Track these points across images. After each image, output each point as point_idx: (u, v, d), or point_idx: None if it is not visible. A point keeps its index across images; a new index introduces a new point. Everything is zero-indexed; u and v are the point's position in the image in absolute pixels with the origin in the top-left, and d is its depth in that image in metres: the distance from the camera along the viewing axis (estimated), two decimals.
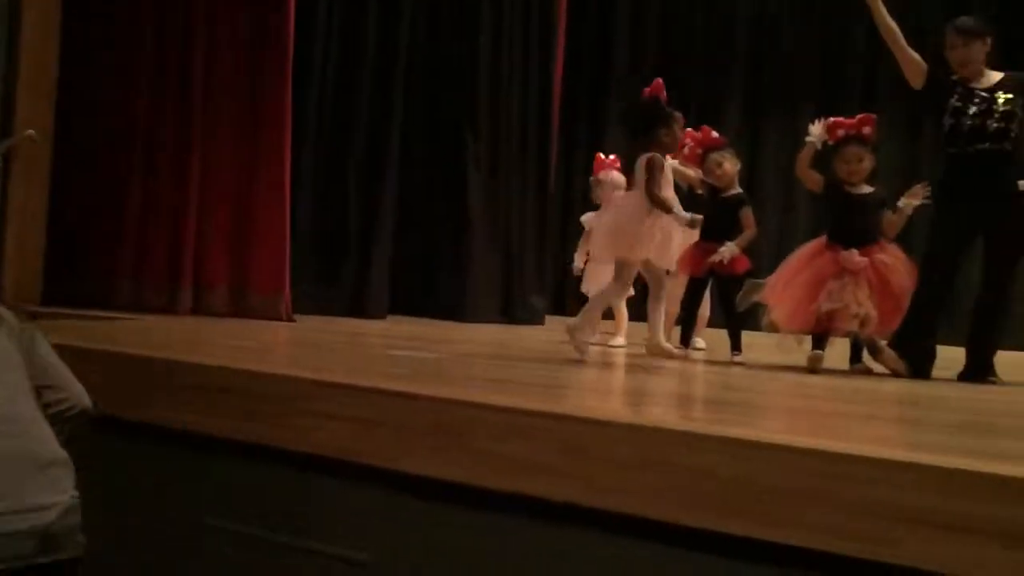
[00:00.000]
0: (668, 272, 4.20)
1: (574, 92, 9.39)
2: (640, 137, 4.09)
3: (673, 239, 3.99)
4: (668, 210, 3.92)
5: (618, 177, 5.53)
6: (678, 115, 4.14)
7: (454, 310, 6.74)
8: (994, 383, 4.35)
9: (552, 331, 6.66)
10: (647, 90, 4.14)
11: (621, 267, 4.09)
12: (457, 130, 7.05)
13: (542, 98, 7.44)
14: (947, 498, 1.88)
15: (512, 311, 7.05)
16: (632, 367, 4.28)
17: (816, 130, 4.53)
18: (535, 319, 7.14)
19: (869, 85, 8.87)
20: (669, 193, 4.04)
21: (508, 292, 7.10)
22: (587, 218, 5.64)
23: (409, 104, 6.70)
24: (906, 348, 4.41)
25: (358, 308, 6.22)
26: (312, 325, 5.34)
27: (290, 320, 5.38)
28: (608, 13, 9.86)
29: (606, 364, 4.34)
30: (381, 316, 6.30)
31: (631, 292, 4.63)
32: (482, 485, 2.36)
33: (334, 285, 6.23)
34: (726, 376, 4.12)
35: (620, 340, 5.39)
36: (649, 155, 3.99)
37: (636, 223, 3.94)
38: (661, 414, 2.70)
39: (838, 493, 1.96)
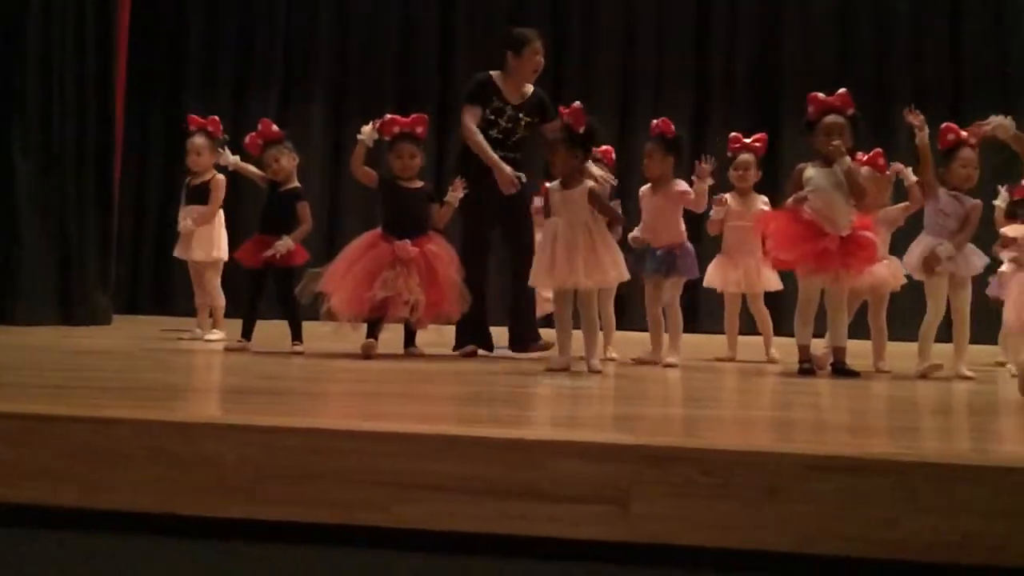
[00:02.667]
0: None
1: (148, 73, 8.93)
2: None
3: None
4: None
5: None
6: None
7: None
8: (543, 347, 4.93)
9: (118, 330, 6.31)
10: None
11: None
12: (2, 114, 6.40)
13: (100, 79, 6.95)
14: (436, 462, 2.06)
15: (72, 312, 6.55)
16: (174, 364, 4.19)
17: (367, 130, 4.70)
18: (99, 319, 6.70)
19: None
20: None
21: (66, 291, 6.58)
22: None
23: None
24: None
25: None
26: None
27: None
28: None
29: (159, 362, 4.20)
30: None
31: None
32: None
33: None
34: (283, 366, 4.15)
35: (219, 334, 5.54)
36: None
37: None
38: (176, 408, 2.66)
39: (336, 467, 2.06)
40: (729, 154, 5.38)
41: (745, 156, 5.32)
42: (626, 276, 4.23)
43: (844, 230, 4.35)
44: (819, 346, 4.56)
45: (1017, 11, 8.85)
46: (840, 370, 4.36)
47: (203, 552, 2.16)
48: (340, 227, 8.64)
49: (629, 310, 7.13)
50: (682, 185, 4.85)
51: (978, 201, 4.47)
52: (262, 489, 2.09)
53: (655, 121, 4.95)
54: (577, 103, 4.27)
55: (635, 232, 4.92)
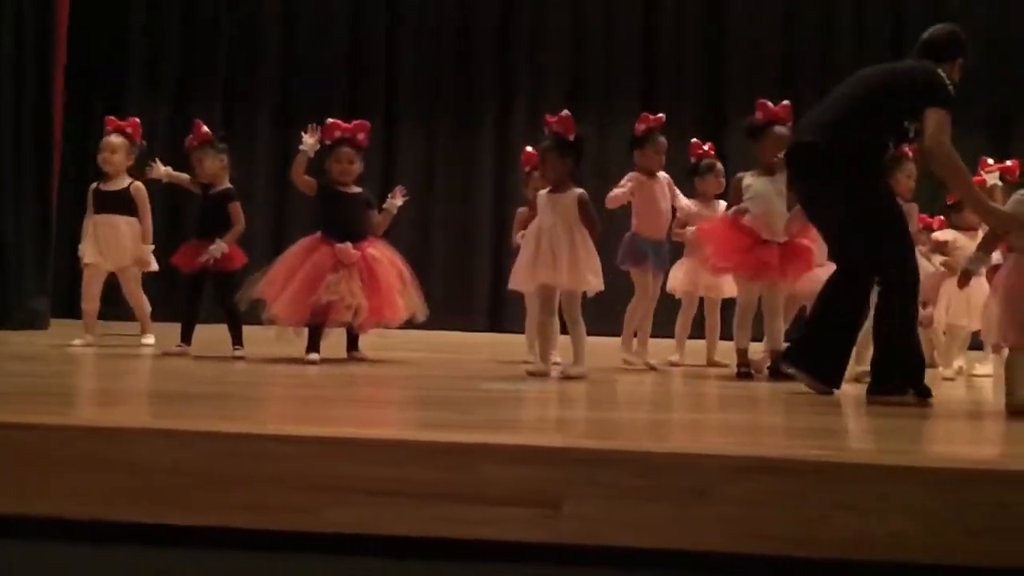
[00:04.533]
0: None
1: (88, 77, 8.76)
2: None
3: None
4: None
5: None
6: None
7: None
8: None
9: (56, 335, 6.19)
10: None
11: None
12: None
13: (39, 84, 6.83)
14: (368, 466, 2.05)
15: (8, 316, 6.42)
16: (112, 369, 4.13)
17: (309, 140, 4.65)
18: (36, 323, 6.57)
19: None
20: None
21: (3, 295, 6.44)
22: None
23: None
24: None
25: None
26: None
27: None
28: None
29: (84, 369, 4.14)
30: None
31: None
32: None
33: None
34: (224, 371, 4.12)
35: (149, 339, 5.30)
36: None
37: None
38: (110, 414, 2.63)
39: (268, 472, 2.05)
40: (692, 160, 5.43)
41: (710, 161, 5.38)
42: (602, 286, 4.20)
43: (782, 237, 4.46)
44: (758, 350, 4.63)
45: (958, 18, 9.07)
46: (778, 373, 4.44)
47: (137, 559, 2.13)
48: (287, 232, 8.51)
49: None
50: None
51: (913, 203, 4.57)
52: (195, 495, 2.07)
53: (650, 116, 5.00)
54: (566, 111, 4.27)
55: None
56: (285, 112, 9.32)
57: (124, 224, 5.21)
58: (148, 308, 5.44)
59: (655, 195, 4.84)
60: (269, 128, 9.36)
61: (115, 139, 5.23)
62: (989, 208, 3.60)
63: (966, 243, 4.71)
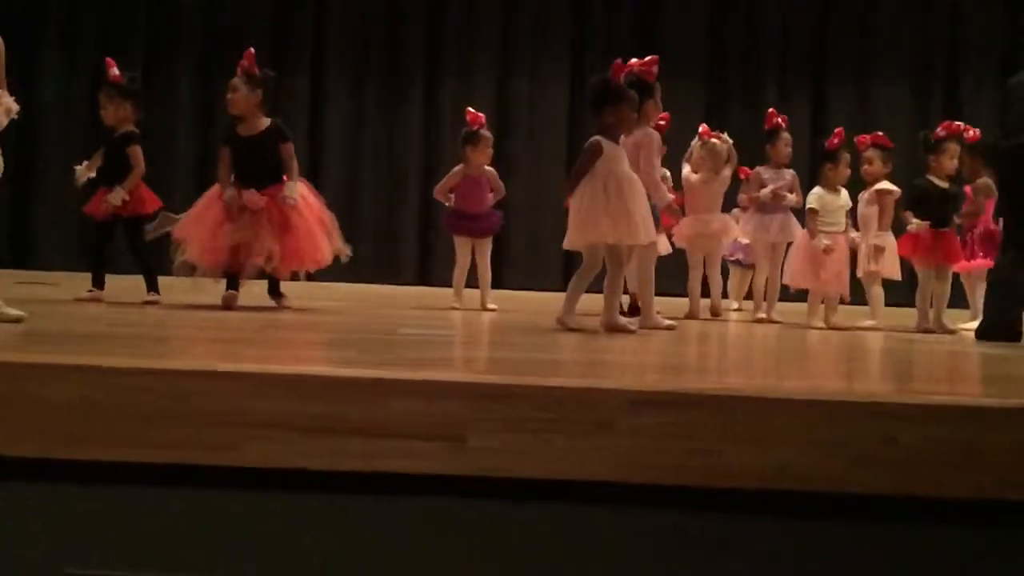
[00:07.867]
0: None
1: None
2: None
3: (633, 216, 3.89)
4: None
5: None
6: (632, 94, 4.04)
7: None
8: None
9: None
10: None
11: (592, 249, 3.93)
12: None
13: None
14: (292, 402, 2.06)
15: None
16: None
17: None
18: None
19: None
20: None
21: None
22: None
23: None
24: None
25: None
26: None
27: None
28: None
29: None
30: None
31: None
32: None
33: None
34: (137, 315, 4.06)
35: None
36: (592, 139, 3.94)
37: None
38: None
39: (177, 408, 2.05)
40: None
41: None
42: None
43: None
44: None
45: None
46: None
47: (48, 495, 2.11)
48: (209, 181, 8.43)
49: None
50: None
51: (793, 171, 5.33)
52: (110, 431, 2.06)
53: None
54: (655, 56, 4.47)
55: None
56: (207, 65, 9.14)
57: None
58: None
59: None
60: (190, 80, 9.19)
61: None
62: None
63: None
